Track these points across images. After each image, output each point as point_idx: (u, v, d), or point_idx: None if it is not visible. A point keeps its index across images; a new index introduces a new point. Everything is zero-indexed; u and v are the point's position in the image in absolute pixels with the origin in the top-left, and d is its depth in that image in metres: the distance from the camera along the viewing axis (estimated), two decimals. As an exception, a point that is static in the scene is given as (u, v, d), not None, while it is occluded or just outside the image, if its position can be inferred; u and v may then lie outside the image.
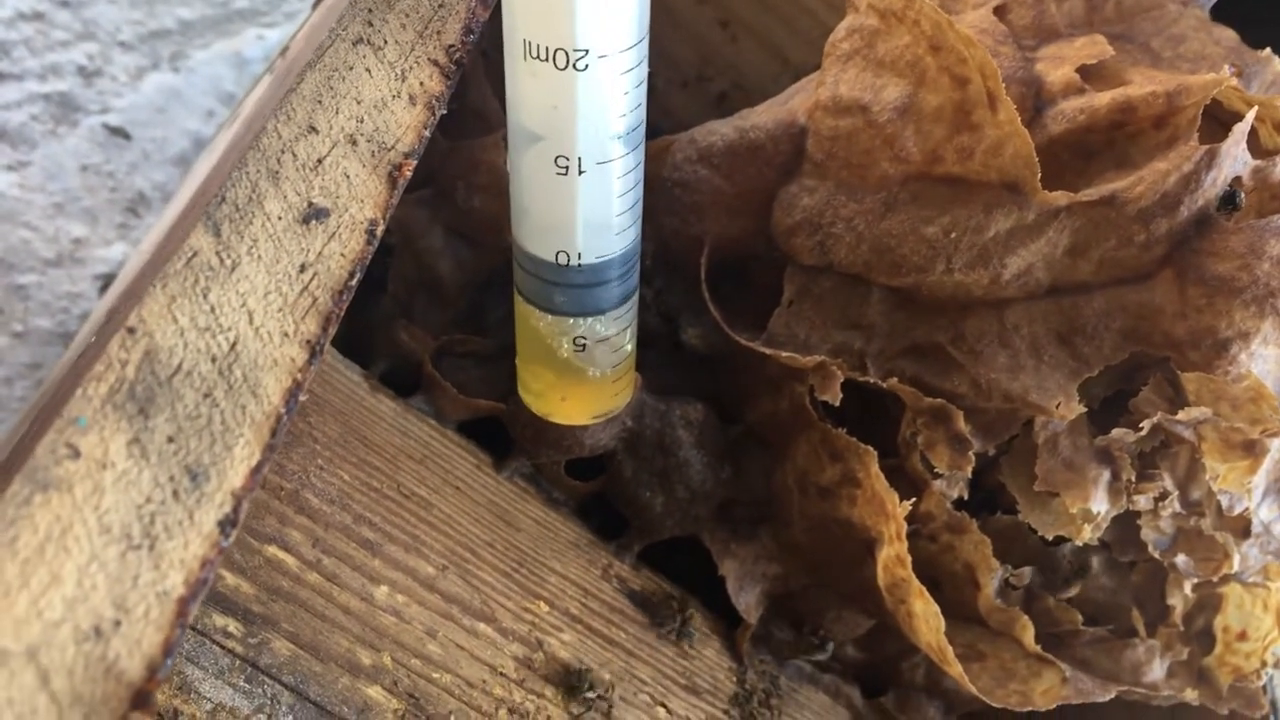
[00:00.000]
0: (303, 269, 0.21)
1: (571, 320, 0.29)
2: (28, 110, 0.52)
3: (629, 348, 0.31)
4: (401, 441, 0.33)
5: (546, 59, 0.24)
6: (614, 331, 0.30)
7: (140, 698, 0.15)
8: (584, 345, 0.30)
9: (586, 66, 0.24)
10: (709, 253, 0.34)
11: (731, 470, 0.36)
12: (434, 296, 0.36)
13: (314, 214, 0.22)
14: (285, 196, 0.21)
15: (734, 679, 0.37)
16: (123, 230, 0.53)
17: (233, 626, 0.26)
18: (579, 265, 0.27)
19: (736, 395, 0.36)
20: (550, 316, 0.29)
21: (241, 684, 0.26)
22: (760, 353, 0.33)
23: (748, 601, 0.37)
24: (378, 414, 0.33)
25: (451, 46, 0.27)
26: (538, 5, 0.23)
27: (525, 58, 0.24)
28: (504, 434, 0.35)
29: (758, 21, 0.50)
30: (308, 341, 0.20)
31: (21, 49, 0.53)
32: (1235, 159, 0.29)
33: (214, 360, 0.19)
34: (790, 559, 0.36)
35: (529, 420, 0.33)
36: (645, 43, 0.25)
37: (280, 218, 0.21)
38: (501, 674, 0.31)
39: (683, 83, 0.51)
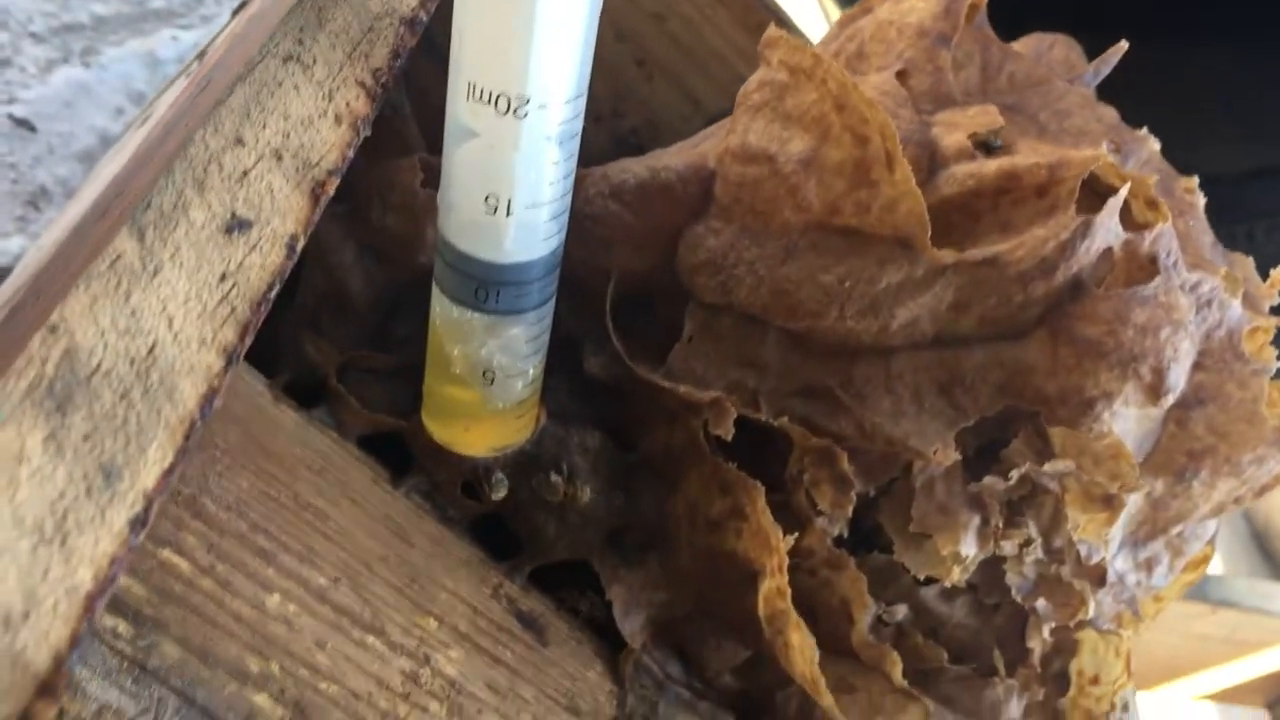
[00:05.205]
0: (223, 278, 0.21)
1: (490, 320, 0.29)
2: (-71, 95, 0.51)
3: (535, 378, 0.32)
4: (301, 452, 0.33)
5: (489, 102, 0.25)
6: (525, 354, 0.31)
7: (45, 688, 0.16)
8: (493, 379, 0.30)
9: (527, 115, 0.25)
10: (615, 285, 0.35)
11: (624, 498, 0.37)
12: (342, 311, 0.36)
13: (236, 225, 0.22)
14: (210, 206, 0.22)
15: (614, 702, 0.38)
16: (21, 223, 0.52)
17: (122, 628, 0.26)
18: (504, 264, 0.28)
19: (634, 425, 0.37)
20: (470, 314, 0.29)
21: (128, 685, 0.26)
22: (659, 385, 0.34)
23: (633, 627, 0.38)
24: (279, 424, 0.33)
25: (378, 70, 0.28)
26: (489, 49, 0.24)
27: (468, 98, 0.25)
28: (403, 451, 0.35)
29: (673, 63, 0.52)
30: (225, 350, 0.21)
31: (-73, 33, 0.52)
32: (1108, 230, 0.31)
33: (133, 362, 0.19)
34: (676, 587, 0.38)
35: (431, 439, 0.34)
36: (584, 97, 0.26)
37: (204, 226, 0.22)
38: (388, 687, 0.31)
39: (596, 116, 0.52)
